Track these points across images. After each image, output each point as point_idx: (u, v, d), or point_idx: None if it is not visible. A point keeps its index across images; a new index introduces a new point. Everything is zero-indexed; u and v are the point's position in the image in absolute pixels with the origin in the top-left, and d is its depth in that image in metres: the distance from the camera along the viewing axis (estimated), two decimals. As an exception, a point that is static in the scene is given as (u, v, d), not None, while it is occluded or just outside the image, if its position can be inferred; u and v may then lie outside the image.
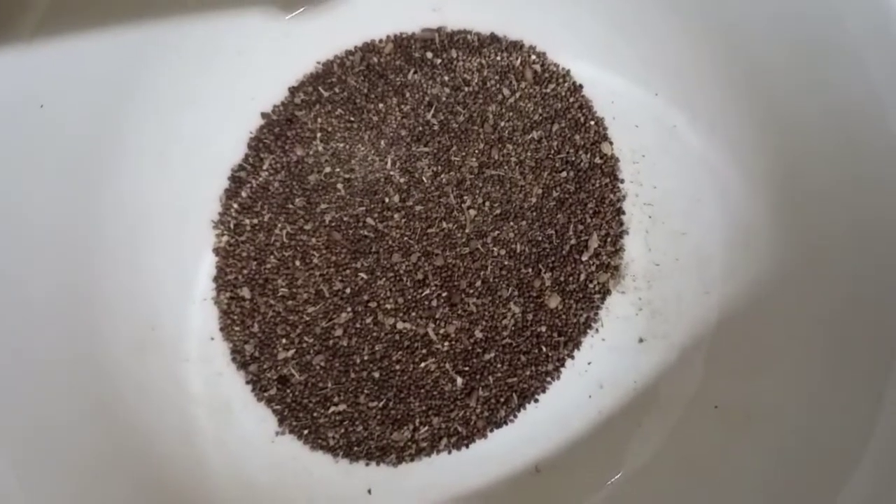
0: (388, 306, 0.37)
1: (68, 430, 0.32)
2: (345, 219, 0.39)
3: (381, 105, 0.40)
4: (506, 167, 0.39)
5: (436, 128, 0.40)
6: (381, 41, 0.41)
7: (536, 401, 0.38)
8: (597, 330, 0.38)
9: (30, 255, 0.33)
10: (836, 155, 0.33)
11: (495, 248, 0.38)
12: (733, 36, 0.36)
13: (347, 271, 0.38)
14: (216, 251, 0.39)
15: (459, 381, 0.37)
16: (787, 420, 0.32)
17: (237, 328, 0.38)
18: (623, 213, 0.39)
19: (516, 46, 0.41)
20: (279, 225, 0.39)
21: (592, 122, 0.40)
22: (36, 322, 0.33)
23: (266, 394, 0.38)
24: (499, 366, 0.37)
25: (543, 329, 0.38)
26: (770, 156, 0.36)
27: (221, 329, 0.38)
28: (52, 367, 0.33)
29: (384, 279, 0.38)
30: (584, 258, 0.38)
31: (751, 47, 0.35)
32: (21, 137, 0.33)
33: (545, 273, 0.38)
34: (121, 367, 0.35)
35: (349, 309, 0.38)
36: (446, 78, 0.40)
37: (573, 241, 0.38)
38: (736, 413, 0.35)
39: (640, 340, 0.38)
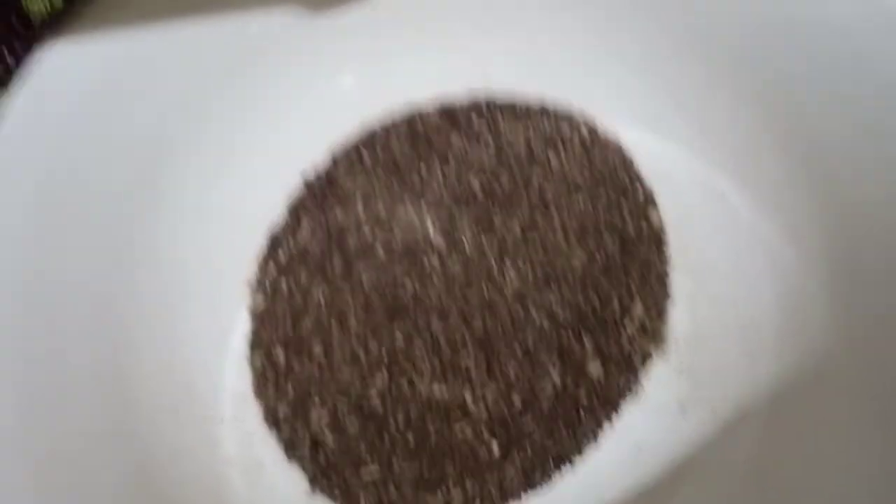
0: (425, 370, 0.37)
1: (104, 497, 0.31)
2: (383, 281, 0.38)
3: (423, 168, 0.40)
4: (549, 231, 0.38)
5: (478, 191, 0.39)
6: (425, 103, 0.41)
7: (572, 464, 0.37)
8: (637, 395, 0.38)
9: (65, 319, 0.33)
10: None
11: (536, 313, 0.37)
12: (791, 105, 0.35)
13: (384, 334, 0.37)
14: (251, 312, 0.39)
15: (496, 446, 0.36)
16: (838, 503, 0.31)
17: (271, 389, 0.37)
18: (668, 279, 0.39)
19: (564, 112, 0.40)
20: (316, 287, 0.38)
21: (640, 188, 0.39)
22: (71, 390, 0.32)
23: (298, 455, 0.37)
24: (535, 430, 0.37)
25: (582, 393, 0.37)
26: (826, 231, 0.35)
27: (255, 390, 0.38)
28: (87, 436, 0.32)
29: (421, 342, 0.37)
30: (627, 325, 0.37)
31: (811, 120, 0.34)
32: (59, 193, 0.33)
33: (587, 339, 0.37)
34: (156, 431, 0.35)
35: (385, 372, 0.37)
36: (491, 142, 0.40)
37: (616, 308, 0.37)
38: (782, 491, 0.34)
39: (682, 408, 0.37)
